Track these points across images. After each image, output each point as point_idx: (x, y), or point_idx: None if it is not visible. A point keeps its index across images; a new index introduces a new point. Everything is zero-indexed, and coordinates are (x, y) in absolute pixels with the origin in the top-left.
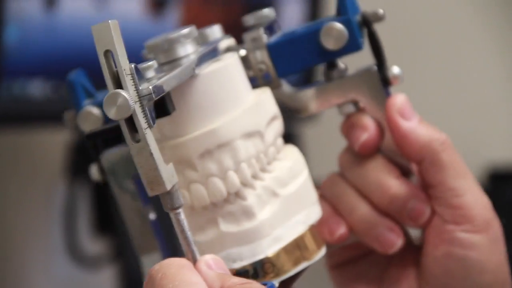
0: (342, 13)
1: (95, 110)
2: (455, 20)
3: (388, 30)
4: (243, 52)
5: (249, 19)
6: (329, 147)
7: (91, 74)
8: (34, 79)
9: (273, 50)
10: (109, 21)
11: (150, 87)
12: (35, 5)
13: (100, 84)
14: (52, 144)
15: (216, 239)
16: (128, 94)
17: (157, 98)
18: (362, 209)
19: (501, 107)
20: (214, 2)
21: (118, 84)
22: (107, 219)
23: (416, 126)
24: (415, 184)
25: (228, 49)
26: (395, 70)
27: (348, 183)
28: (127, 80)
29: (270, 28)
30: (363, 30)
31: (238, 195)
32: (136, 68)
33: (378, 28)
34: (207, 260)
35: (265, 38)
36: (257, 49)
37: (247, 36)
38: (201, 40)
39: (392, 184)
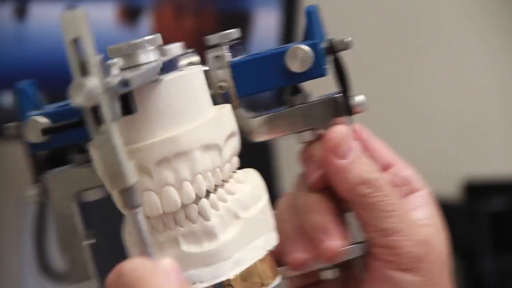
0: (309, 38)
1: (43, 120)
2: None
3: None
4: (205, 68)
5: (212, 38)
6: None
7: (63, 84)
8: (5, 89)
9: (237, 69)
10: (78, 9)
11: (118, 78)
12: (5, 14)
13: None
14: (24, 156)
15: (177, 259)
16: (96, 82)
17: (123, 92)
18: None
19: (476, 120)
20: (187, 12)
21: (85, 73)
22: None
23: (347, 166)
24: (336, 219)
25: (191, 64)
26: (358, 98)
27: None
28: (96, 70)
29: (235, 49)
30: (328, 57)
31: (201, 214)
32: (103, 59)
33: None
34: (166, 266)
35: (228, 57)
36: (219, 67)
37: (210, 54)
38: (162, 54)
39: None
